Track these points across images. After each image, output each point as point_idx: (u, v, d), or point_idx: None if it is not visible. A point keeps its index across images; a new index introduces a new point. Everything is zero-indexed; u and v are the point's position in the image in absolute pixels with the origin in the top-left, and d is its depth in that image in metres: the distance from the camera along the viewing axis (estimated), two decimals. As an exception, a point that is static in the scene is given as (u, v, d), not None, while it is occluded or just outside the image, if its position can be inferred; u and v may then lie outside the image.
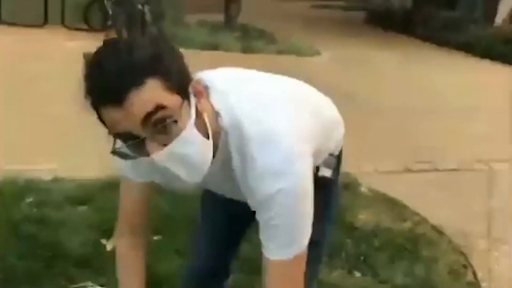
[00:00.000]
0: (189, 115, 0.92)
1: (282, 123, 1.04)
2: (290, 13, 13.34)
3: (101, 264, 2.22)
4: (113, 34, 7.56)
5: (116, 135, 0.91)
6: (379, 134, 4.61)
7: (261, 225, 1.05)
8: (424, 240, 2.88)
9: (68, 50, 6.50)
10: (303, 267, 1.09)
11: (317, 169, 1.28)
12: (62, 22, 7.71)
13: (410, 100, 5.94)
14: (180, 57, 0.95)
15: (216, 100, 1.04)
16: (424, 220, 3.13)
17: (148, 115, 0.87)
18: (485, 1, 12.96)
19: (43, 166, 3.15)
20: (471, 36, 10.62)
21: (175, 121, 0.89)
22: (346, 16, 14.05)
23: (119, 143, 0.93)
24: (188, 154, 0.92)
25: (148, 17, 7.39)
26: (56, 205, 2.70)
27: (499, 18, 12.65)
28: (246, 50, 7.61)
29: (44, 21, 7.63)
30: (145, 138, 0.88)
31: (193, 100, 0.94)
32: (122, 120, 0.87)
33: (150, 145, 0.89)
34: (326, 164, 1.32)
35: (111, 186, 2.92)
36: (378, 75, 7.06)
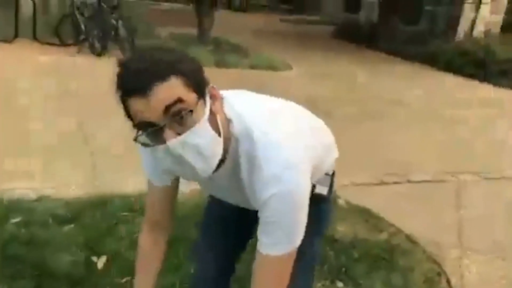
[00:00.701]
0: (204, 112, 1.05)
1: (286, 138, 1.17)
2: (260, 27, 13.54)
3: (93, 282, 2.26)
4: (85, 49, 7.56)
5: (139, 125, 1.04)
6: (352, 147, 4.75)
7: (261, 221, 1.18)
8: (399, 250, 3.02)
9: (41, 64, 6.48)
10: (290, 266, 1.21)
11: (313, 186, 1.41)
12: (34, 37, 7.64)
13: (380, 113, 6.16)
14: (197, 63, 1.10)
15: (229, 110, 1.17)
16: (399, 231, 3.27)
17: (168, 107, 1.00)
18: (447, 16, 13.46)
19: (27, 185, 3.15)
20: (434, 50, 11.02)
21: (191, 114, 1.02)
22: (315, 31, 14.35)
23: (141, 137, 1.05)
24: (200, 145, 1.03)
25: (121, 31, 7.40)
26: (42, 224, 2.71)
27: (461, 33, 13.16)
28: (219, 64, 7.71)
29: (15, 36, 7.54)
30: (163, 126, 1.01)
31: (208, 100, 1.08)
32: (145, 109, 1.00)
33: (167, 133, 1.01)
34: (322, 183, 1.46)
35: (96, 204, 2.97)
36: (349, 88, 7.27)
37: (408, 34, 13.08)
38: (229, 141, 1.14)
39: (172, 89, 1.00)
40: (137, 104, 1.01)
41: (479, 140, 5.52)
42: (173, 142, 1.01)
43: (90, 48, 7.56)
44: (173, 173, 1.20)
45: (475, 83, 9.50)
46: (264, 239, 1.18)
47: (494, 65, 9.93)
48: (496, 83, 9.58)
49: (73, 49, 7.61)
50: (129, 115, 1.05)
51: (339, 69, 8.62)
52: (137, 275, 1.46)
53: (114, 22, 7.50)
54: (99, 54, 7.43)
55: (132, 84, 1.01)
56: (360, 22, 15.00)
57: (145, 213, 1.44)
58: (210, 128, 1.05)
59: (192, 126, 1.02)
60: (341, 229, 3.18)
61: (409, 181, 4.15)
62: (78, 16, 7.88)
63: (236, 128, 1.15)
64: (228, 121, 1.15)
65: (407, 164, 4.47)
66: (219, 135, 1.08)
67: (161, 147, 1.02)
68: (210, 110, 1.07)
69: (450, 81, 9.49)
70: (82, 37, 7.75)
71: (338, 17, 15.32)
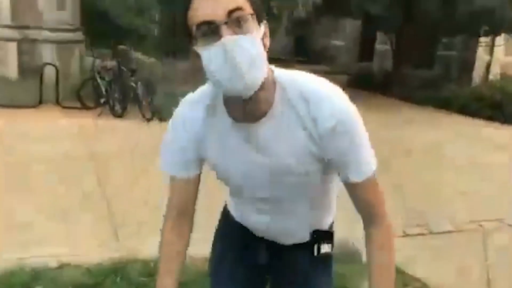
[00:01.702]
0: (258, 30, 1.13)
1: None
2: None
3: None
4: (106, 111, 7.78)
5: (199, 24, 1.10)
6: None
7: (341, 156, 1.24)
8: (426, 306, 2.95)
9: (63, 128, 6.67)
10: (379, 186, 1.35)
11: (318, 249, 1.48)
12: (57, 102, 7.92)
13: (396, 161, 6.13)
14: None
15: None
16: (424, 286, 3.19)
17: (231, 11, 1.08)
18: (461, 60, 13.55)
19: (50, 252, 3.19)
20: (449, 95, 11.03)
21: (249, 22, 1.10)
22: (330, 80, 14.47)
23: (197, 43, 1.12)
24: (252, 51, 1.09)
25: (141, 92, 7.62)
26: (64, 292, 2.73)
27: (476, 77, 13.20)
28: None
29: (40, 102, 7.82)
30: (224, 23, 1.07)
31: (263, 27, 1.16)
32: (211, 7, 1.08)
33: (225, 31, 1.08)
34: (327, 240, 1.50)
35: (116, 270, 2.98)
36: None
37: (422, 80, 13.16)
38: (273, 87, 1.21)
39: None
40: (204, 3, 1.09)
41: (500, 185, 5.43)
42: (229, 38, 1.07)
43: (111, 110, 7.78)
44: (219, 82, 1.13)
45: (494, 125, 9.45)
46: (352, 169, 1.26)
47: (511, 107, 9.90)
48: (515, 125, 9.52)
49: (94, 112, 7.84)
50: (186, 26, 1.13)
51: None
52: (161, 275, 1.42)
53: (133, 84, 7.74)
54: (119, 116, 7.63)
55: None
56: (374, 70, 15.18)
57: (168, 203, 1.42)
58: (261, 43, 1.13)
59: (248, 32, 1.10)
60: (365, 285, 3.12)
61: (431, 232, 4.08)
62: (99, 80, 8.17)
63: (280, 78, 1.22)
64: (271, 70, 1.22)
65: (428, 214, 4.40)
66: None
67: (217, 43, 1.08)
68: (263, 40, 1.14)
69: (468, 124, 9.44)
70: (103, 100, 7.99)
71: (353, 66, 15.52)
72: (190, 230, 1.46)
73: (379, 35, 14.83)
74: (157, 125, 6.94)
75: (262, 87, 1.15)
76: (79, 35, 9.44)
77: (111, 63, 8.26)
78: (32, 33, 8.56)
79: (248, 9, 1.11)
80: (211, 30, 1.09)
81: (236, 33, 1.08)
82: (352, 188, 1.31)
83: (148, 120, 7.34)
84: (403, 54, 12.90)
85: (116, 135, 6.52)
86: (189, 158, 1.35)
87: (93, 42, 12.71)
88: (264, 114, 1.22)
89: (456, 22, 10.43)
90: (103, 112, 7.79)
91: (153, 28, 14.71)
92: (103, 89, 8.02)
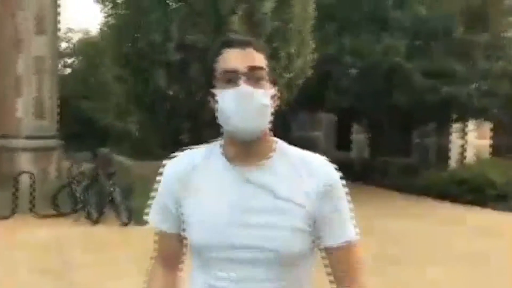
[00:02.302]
0: (270, 90, 1.31)
1: None
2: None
3: None
4: (82, 217, 7.63)
5: (225, 71, 1.29)
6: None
7: (328, 219, 1.32)
8: None
9: (36, 240, 6.46)
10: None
11: None
12: (32, 210, 7.76)
13: (380, 252, 6.02)
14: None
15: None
16: None
17: (254, 68, 1.28)
18: (437, 146, 13.91)
19: None
20: (428, 180, 11.14)
21: (265, 81, 1.29)
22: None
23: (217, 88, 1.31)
24: (261, 101, 1.27)
25: (117, 196, 7.54)
26: None
27: (452, 160, 13.49)
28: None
29: (13, 212, 7.65)
30: (245, 75, 1.27)
31: (275, 89, 1.34)
32: (237, 58, 1.28)
33: (243, 81, 1.27)
34: None
35: None
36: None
37: (401, 167, 13.37)
38: (272, 145, 1.36)
39: (261, 59, 1.31)
40: (232, 53, 1.29)
41: (496, 275, 5.32)
42: (246, 87, 1.26)
43: (87, 216, 7.62)
44: (228, 121, 1.29)
45: (475, 210, 9.46)
46: (338, 231, 1.33)
47: (491, 190, 9.98)
48: (495, 208, 9.55)
49: (70, 218, 7.67)
50: (210, 73, 1.32)
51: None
52: None
53: (110, 189, 7.67)
54: (95, 222, 7.48)
55: (236, 39, 1.33)
56: (352, 159, 15.42)
57: (155, 253, 1.47)
58: (270, 100, 1.30)
59: (263, 88, 1.28)
60: None
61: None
62: (75, 185, 8.09)
63: (282, 144, 1.38)
64: (271, 134, 1.37)
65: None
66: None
67: (235, 88, 1.26)
68: (272, 99, 1.32)
69: (450, 211, 9.44)
70: (79, 206, 7.86)
71: (331, 156, 15.73)
72: (179, 273, 1.48)
73: (355, 126, 15.24)
74: (134, 230, 6.79)
75: (263, 136, 1.32)
76: (57, 142, 9.51)
77: (87, 168, 8.23)
78: (10, 142, 8.59)
79: (266, 70, 1.31)
80: (233, 79, 1.27)
81: (254, 86, 1.27)
82: (335, 254, 1.35)
83: (125, 224, 7.19)
84: (380, 143, 13.21)
85: (89, 245, 6.33)
86: (170, 212, 1.40)
87: (72, 147, 12.84)
88: (260, 161, 1.33)
89: (426, 111, 10.82)
90: (78, 218, 7.63)
91: (133, 131, 14.98)
92: (79, 195, 7.91)
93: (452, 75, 10.19)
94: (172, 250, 1.45)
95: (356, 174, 13.30)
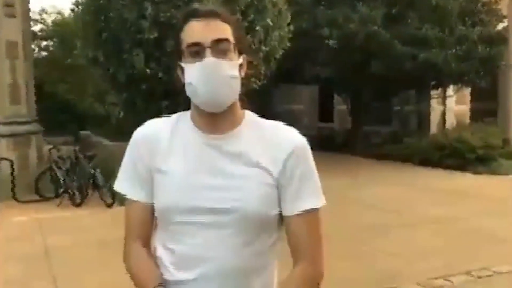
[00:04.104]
0: (237, 61, 1.32)
1: None
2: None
3: None
4: (66, 201, 7.60)
5: (189, 45, 1.29)
6: (338, 262, 4.65)
7: (290, 187, 1.32)
8: None
9: (19, 226, 6.43)
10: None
11: None
12: (13, 197, 7.70)
13: (361, 222, 6.11)
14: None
15: None
16: None
17: (217, 40, 1.27)
18: (417, 113, 14.00)
19: None
20: (410, 147, 11.28)
21: (230, 53, 1.29)
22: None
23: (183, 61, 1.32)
24: (227, 73, 1.28)
25: (99, 178, 7.50)
26: None
27: (433, 126, 13.61)
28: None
29: (-5, 199, 7.59)
30: (210, 47, 1.26)
31: (242, 58, 1.34)
32: (200, 30, 1.28)
33: (209, 53, 1.27)
34: None
35: None
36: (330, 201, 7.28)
37: (383, 135, 13.49)
38: (242, 116, 1.37)
39: (227, 29, 1.30)
40: (196, 25, 1.29)
41: (466, 236, 5.45)
42: (211, 59, 1.26)
43: (70, 199, 7.61)
44: (196, 94, 1.30)
45: (456, 174, 9.62)
46: (303, 197, 1.33)
47: (471, 154, 10.14)
48: (475, 171, 9.72)
49: (53, 203, 7.64)
50: (177, 45, 1.32)
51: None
52: (146, 275, 1.34)
53: (91, 171, 7.63)
54: (79, 205, 7.46)
55: (200, 10, 1.31)
56: (335, 130, 15.50)
57: (127, 231, 1.41)
58: (238, 71, 1.31)
59: (229, 59, 1.29)
60: None
61: (400, 293, 4.00)
62: (56, 170, 8.03)
63: (255, 116, 1.40)
64: (244, 104, 1.39)
65: (397, 272, 4.33)
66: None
67: (200, 61, 1.26)
68: (239, 69, 1.32)
69: (431, 176, 9.59)
70: (61, 190, 7.82)
71: (314, 128, 15.81)
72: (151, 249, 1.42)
73: (336, 97, 15.25)
74: (118, 211, 6.78)
75: (232, 108, 1.33)
76: (35, 126, 9.38)
77: (67, 152, 8.17)
78: (-14, 129, 8.47)
79: (231, 41, 1.30)
80: (198, 51, 1.27)
81: (218, 58, 1.26)
82: (298, 221, 1.34)
83: (109, 205, 7.18)
84: (361, 112, 13.26)
85: (74, 228, 6.32)
86: (140, 175, 1.38)
87: (52, 131, 12.69)
88: (229, 130, 1.34)
89: (405, 78, 10.86)
90: (62, 202, 7.60)
91: (114, 112, 14.81)
92: (61, 179, 7.87)
93: (429, 42, 10.21)
94: (147, 225, 1.40)
95: (339, 145, 13.43)
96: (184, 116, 1.40)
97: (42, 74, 14.61)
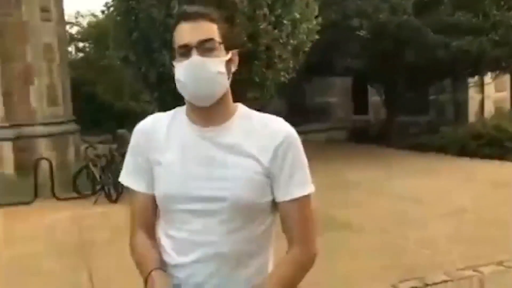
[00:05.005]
0: (225, 58, 1.41)
1: None
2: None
3: None
4: (102, 198, 7.83)
5: (179, 47, 1.40)
6: (365, 254, 4.64)
7: (281, 175, 1.39)
8: None
9: (59, 221, 6.69)
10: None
11: None
12: (53, 195, 7.99)
13: (394, 212, 6.05)
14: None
15: None
16: None
17: (203, 41, 1.38)
18: (454, 102, 13.66)
19: None
20: (446, 137, 11.03)
21: (216, 51, 1.39)
22: (329, 137, 14.48)
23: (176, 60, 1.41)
24: (212, 69, 1.37)
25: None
26: None
27: (471, 115, 13.25)
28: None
29: (34, 197, 7.90)
30: (196, 48, 1.36)
31: (230, 55, 1.44)
32: (188, 32, 1.38)
33: (195, 52, 1.37)
34: None
35: None
36: (363, 192, 7.25)
37: (419, 125, 13.23)
38: (233, 109, 1.46)
39: (212, 29, 1.39)
40: (184, 27, 1.39)
41: (499, 226, 5.32)
42: (197, 58, 1.36)
43: (106, 196, 7.83)
44: (185, 90, 1.40)
45: (494, 163, 9.36)
46: (292, 185, 1.40)
47: (509, 142, 9.84)
48: (514, 160, 9.43)
49: (90, 200, 7.89)
50: (172, 46, 1.43)
51: (353, 173, 8.65)
52: (148, 264, 1.41)
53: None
54: (115, 201, 7.67)
55: (188, 12, 1.41)
56: (370, 122, 15.29)
57: (132, 220, 1.51)
58: (224, 67, 1.40)
59: (215, 57, 1.38)
60: None
61: (426, 284, 3.95)
62: (92, 168, 8.28)
63: (247, 109, 1.49)
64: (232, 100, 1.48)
65: (423, 267, 4.29)
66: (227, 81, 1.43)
67: (187, 60, 1.37)
68: (228, 63, 1.42)
69: (467, 166, 9.36)
70: (98, 187, 8.07)
71: (349, 121, 15.65)
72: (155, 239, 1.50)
73: (370, 88, 15.05)
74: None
75: (223, 101, 1.42)
76: (73, 126, 9.70)
77: (103, 150, 8.40)
78: (27, 130, 8.81)
79: (217, 39, 1.39)
80: (186, 52, 1.37)
81: (204, 56, 1.36)
82: (289, 207, 1.41)
83: (143, 201, 7.33)
84: (395, 103, 13.04)
85: (109, 223, 6.52)
86: (141, 168, 1.48)
87: (90, 130, 13.06)
88: (221, 123, 1.43)
89: (439, 67, 10.62)
90: (98, 199, 7.83)
91: (150, 108, 15.09)
92: (97, 176, 8.11)
93: (462, 29, 9.95)
94: (150, 214, 1.50)
95: (374, 137, 13.25)
96: (181, 111, 1.50)
97: (79, 75, 15.04)
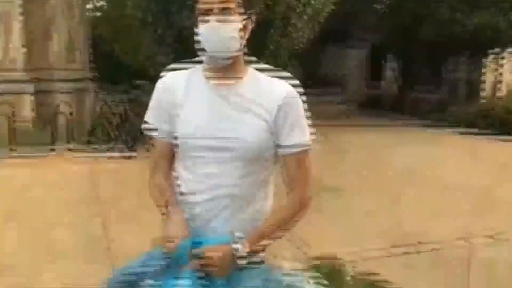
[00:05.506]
0: (240, 23, 1.63)
1: None
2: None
3: None
4: (116, 154, 8.11)
5: (199, 13, 1.61)
6: (362, 217, 4.87)
7: (283, 130, 1.62)
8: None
9: (74, 173, 6.99)
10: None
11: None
12: (69, 148, 8.28)
13: (392, 182, 6.25)
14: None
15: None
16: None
17: (222, 8, 1.59)
18: (468, 82, 13.63)
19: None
20: (455, 115, 11.12)
21: (233, 18, 1.60)
22: (342, 108, 14.52)
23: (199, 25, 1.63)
24: (229, 34, 1.59)
25: (146, 134, 7.92)
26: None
27: (483, 95, 13.25)
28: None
29: (51, 149, 8.20)
30: (212, 14, 1.58)
31: (245, 22, 1.65)
32: (208, 3, 1.59)
33: (213, 18, 1.59)
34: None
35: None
36: (367, 158, 7.44)
37: (431, 101, 13.27)
38: (245, 71, 1.67)
39: (230, 1, 1.59)
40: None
41: (491, 201, 5.51)
42: (215, 23, 1.58)
43: (120, 152, 8.11)
44: (202, 50, 1.62)
45: (499, 142, 9.47)
46: (292, 140, 1.62)
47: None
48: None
49: (104, 155, 8.16)
50: (194, 12, 1.63)
51: (360, 141, 8.83)
52: (170, 207, 1.65)
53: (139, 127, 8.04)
54: (129, 157, 7.94)
55: None
56: (383, 93, 15.32)
57: (153, 160, 1.76)
58: (237, 31, 1.60)
59: (230, 23, 1.59)
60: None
61: (419, 251, 4.18)
62: (107, 125, 8.54)
63: (255, 71, 1.69)
64: (248, 62, 1.70)
65: (419, 231, 4.51)
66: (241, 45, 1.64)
67: (207, 24, 1.59)
68: (241, 30, 1.62)
69: (471, 144, 9.48)
70: (112, 143, 8.34)
71: (363, 92, 15.67)
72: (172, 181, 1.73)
73: (385, 61, 15.04)
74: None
75: (236, 64, 1.64)
76: (90, 84, 9.91)
77: (117, 108, 8.64)
78: (45, 85, 9.05)
79: (234, 8, 1.60)
80: (206, 18, 1.59)
81: (221, 22, 1.57)
82: (289, 159, 1.65)
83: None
84: (410, 77, 13.08)
85: (123, 177, 6.79)
86: (163, 115, 1.70)
87: (107, 89, 13.22)
88: (233, 82, 1.64)
89: (455, 44, 10.61)
90: (112, 154, 8.12)
91: (165, 71, 15.15)
92: (112, 133, 8.37)
93: (480, 5, 9.90)
94: (168, 159, 1.73)
95: (386, 108, 13.33)
96: (197, 70, 1.72)
97: (98, 34, 15.11)
